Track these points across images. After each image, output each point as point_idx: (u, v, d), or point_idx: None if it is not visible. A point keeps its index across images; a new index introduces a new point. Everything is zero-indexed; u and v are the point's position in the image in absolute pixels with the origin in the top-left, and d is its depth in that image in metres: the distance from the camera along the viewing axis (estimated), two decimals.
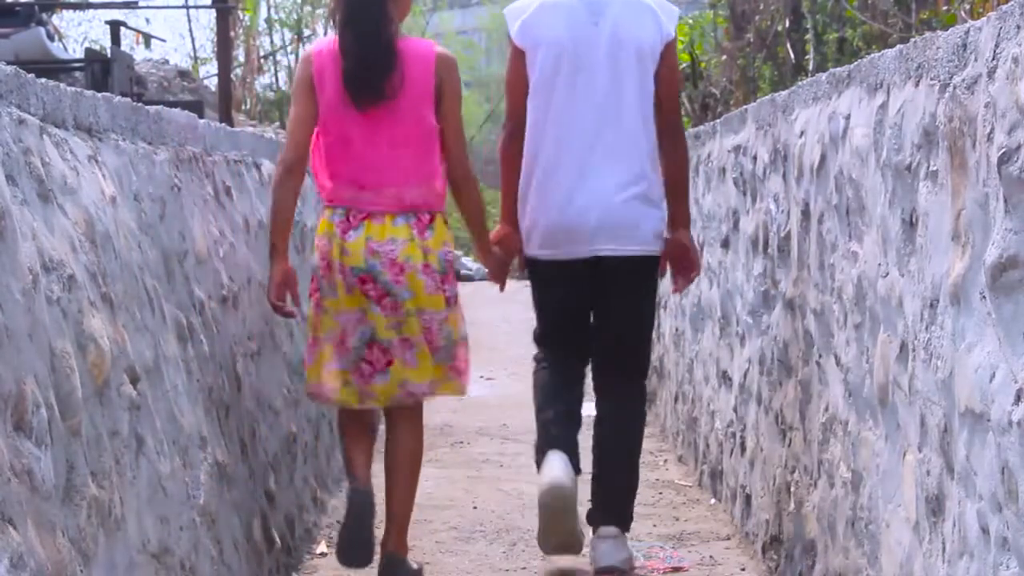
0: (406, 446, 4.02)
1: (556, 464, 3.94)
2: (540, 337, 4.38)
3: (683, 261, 4.27)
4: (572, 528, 4.00)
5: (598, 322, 4.25)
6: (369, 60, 3.86)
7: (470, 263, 16.83)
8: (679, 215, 4.23)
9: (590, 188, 4.10)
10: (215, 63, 14.54)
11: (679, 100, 4.34)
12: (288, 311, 4.02)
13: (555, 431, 4.12)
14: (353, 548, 3.89)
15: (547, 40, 4.12)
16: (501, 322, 11.28)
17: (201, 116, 5.28)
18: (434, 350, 3.91)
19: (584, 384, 4.34)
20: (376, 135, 3.89)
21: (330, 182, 3.94)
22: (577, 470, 4.06)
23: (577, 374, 4.31)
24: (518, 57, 4.18)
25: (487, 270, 4.40)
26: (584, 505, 4.19)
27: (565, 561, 4.25)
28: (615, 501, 4.19)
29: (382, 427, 4.26)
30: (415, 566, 4.05)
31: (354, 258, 3.86)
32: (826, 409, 3.35)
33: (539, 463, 4.08)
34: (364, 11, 3.87)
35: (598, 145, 4.10)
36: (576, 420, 4.21)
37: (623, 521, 4.17)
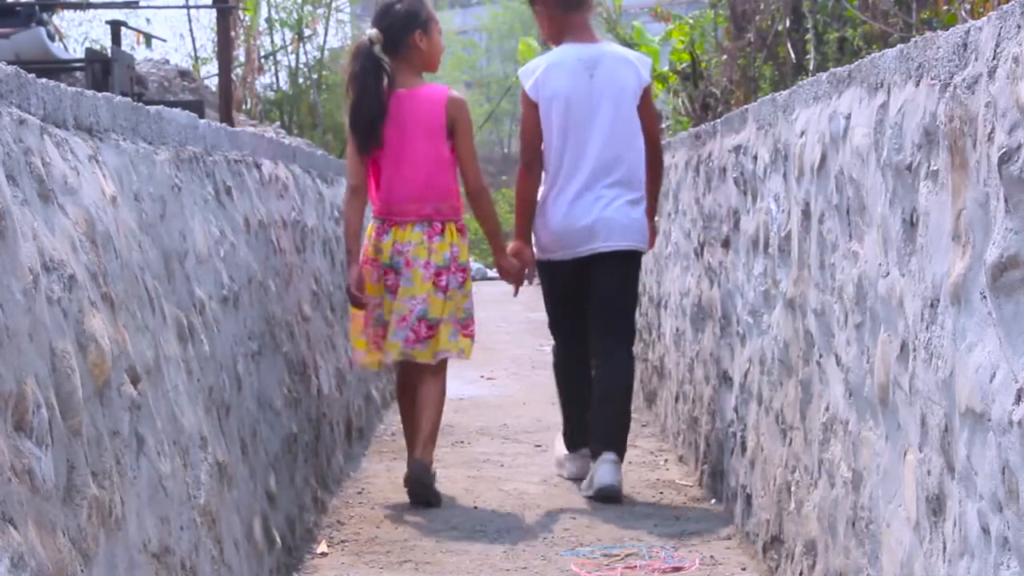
0: (432, 388, 5.20)
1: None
2: (552, 324, 5.59)
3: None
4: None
5: (595, 301, 5.31)
6: (364, 124, 5.10)
7: (470, 262, 16.84)
8: (652, 208, 5.50)
9: (596, 201, 5.24)
10: (215, 63, 14.53)
11: (659, 127, 5.53)
12: (363, 303, 5.14)
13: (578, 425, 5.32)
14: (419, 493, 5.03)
15: (555, 94, 5.26)
16: (501, 322, 11.28)
17: (202, 116, 5.29)
18: (449, 322, 5.16)
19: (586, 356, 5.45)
20: (399, 164, 5.10)
21: (375, 201, 5.21)
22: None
23: (581, 348, 5.43)
24: (531, 108, 5.32)
25: (504, 270, 5.45)
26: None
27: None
28: (615, 433, 5.18)
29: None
30: (434, 470, 5.16)
31: (384, 255, 5.13)
32: (826, 409, 3.35)
33: (569, 446, 5.45)
34: (365, 100, 5.10)
35: (599, 169, 5.25)
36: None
37: (620, 449, 5.18)
